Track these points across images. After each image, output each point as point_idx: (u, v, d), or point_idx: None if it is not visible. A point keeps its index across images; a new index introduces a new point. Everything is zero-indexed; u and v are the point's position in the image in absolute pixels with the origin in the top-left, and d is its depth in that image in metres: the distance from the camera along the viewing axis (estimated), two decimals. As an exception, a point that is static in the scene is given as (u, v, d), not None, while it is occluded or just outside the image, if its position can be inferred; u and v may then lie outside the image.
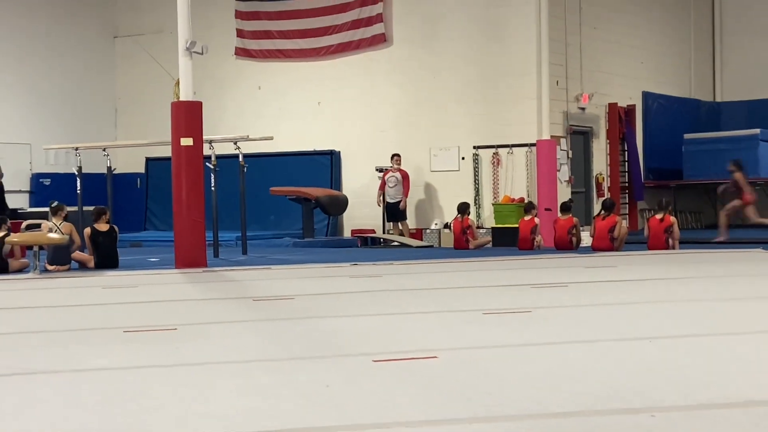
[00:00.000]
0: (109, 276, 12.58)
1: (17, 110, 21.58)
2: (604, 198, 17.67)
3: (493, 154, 18.92)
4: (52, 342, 7.07)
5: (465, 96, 19.18)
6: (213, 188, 15.60)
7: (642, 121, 21.68)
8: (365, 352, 6.19)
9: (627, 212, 20.93)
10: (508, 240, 16.99)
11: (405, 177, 18.84)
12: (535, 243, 16.25)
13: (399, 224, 18.86)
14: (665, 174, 21.99)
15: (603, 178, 20.35)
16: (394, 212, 18.83)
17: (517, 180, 18.75)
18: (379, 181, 18.98)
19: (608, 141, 20.59)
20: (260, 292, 10.51)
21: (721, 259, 13.79)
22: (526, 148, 18.55)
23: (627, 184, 21.07)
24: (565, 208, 16.29)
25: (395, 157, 18.88)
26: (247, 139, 16.29)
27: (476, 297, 9.59)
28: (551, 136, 18.22)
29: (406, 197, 18.79)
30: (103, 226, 13.70)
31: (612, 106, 20.51)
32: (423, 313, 8.31)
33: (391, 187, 18.81)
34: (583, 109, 19.75)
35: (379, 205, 18.96)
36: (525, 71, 18.49)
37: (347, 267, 13.17)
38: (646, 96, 21.85)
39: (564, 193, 18.39)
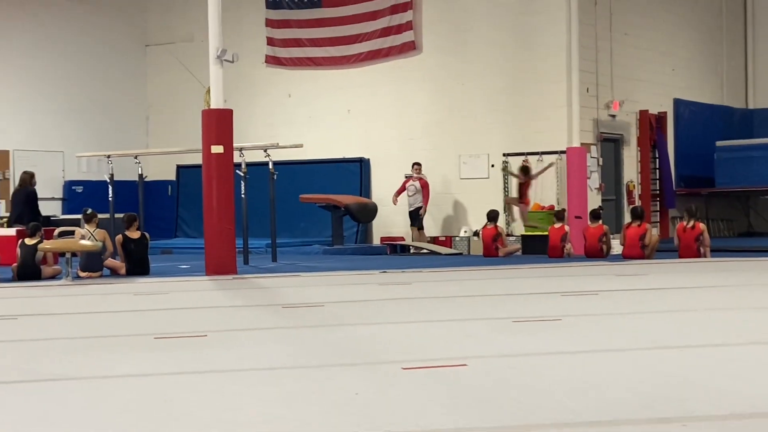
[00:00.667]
0: (140, 283, 12.64)
1: (50, 118, 21.76)
2: (633, 206, 17.56)
3: (523, 161, 18.85)
4: (82, 348, 7.11)
5: (495, 103, 19.14)
6: (243, 195, 15.66)
7: (673, 129, 21.53)
8: (394, 360, 6.18)
9: (658, 220, 20.79)
10: (538, 248, 16.91)
11: (424, 186, 18.89)
12: (565, 251, 16.18)
13: (416, 231, 18.98)
14: (697, 182, 21.83)
15: (634, 186, 20.23)
16: (411, 219, 18.94)
17: (546, 188, 18.67)
18: (400, 186, 19.11)
19: (639, 148, 20.47)
20: (290, 299, 10.52)
21: (752, 268, 13.66)
22: (556, 156, 18.47)
23: (658, 192, 20.93)
24: (596, 215, 16.21)
25: (416, 165, 18.96)
26: (277, 146, 16.35)
27: (506, 305, 9.56)
28: (581, 144, 18.13)
29: (426, 205, 18.85)
30: (134, 233, 13.79)
31: (643, 114, 20.40)
32: (452, 320, 8.29)
33: (410, 195, 18.93)
34: (613, 116, 19.65)
35: (395, 204, 19.05)
36: (555, 78, 18.43)
37: (377, 274, 13.17)
38: (678, 103, 21.71)
39: (594, 201, 18.30)
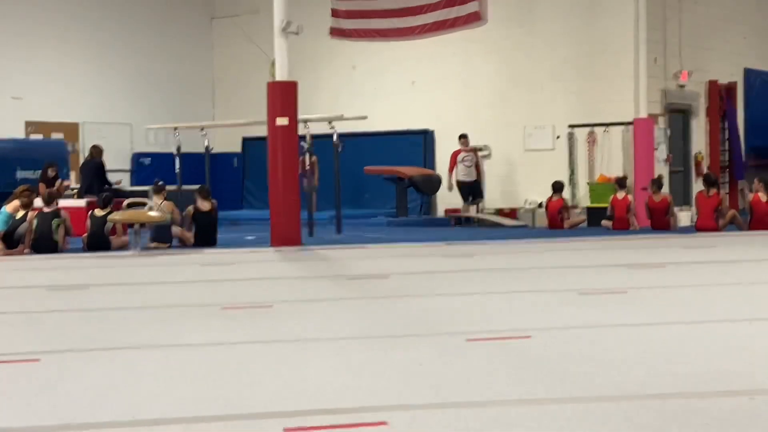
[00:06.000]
0: (207, 254, 12.80)
1: (118, 91, 22.05)
2: (707, 173, 17.18)
3: (589, 132, 18.65)
4: (152, 318, 7.24)
5: (560, 74, 18.95)
6: (308, 167, 15.74)
7: (743, 99, 21.13)
8: (459, 331, 6.20)
9: (727, 191, 20.45)
10: (604, 219, 16.71)
11: (478, 157, 18.61)
12: (630, 222, 15.92)
13: (476, 203, 18.63)
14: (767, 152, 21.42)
15: (702, 158, 19.92)
16: (471, 191, 18.59)
17: (613, 159, 18.46)
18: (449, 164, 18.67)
19: (708, 119, 20.13)
20: (354, 270, 10.58)
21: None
22: (622, 127, 18.23)
23: (727, 163, 20.59)
24: (659, 185, 15.92)
25: (463, 138, 18.58)
26: (341, 118, 16.36)
27: (571, 277, 9.51)
28: (649, 115, 17.87)
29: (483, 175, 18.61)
30: (205, 205, 13.96)
31: (712, 84, 20.04)
32: (517, 292, 8.28)
33: (468, 167, 18.47)
34: (682, 86, 19.34)
35: (450, 190, 18.61)
36: (622, 48, 18.16)
37: (441, 246, 13.17)
38: (749, 73, 21.27)
39: (662, 173, 18.03)
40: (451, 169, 18.61)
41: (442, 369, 5.08)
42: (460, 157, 18.57)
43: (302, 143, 15.33)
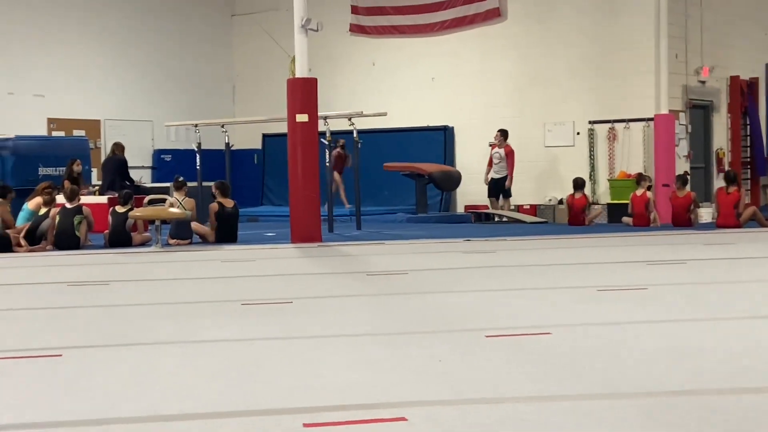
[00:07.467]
0: (228, 250, 12.84)
1: (139, 88, 22.15)
2: (727, 170, 17.07)
3: (609, 129, 18.61)
4: (172, 314, 7.27)
5: (581, 70, 18.89)
6: (327, 164, 15.77)
7: (765, 94, 21.01)
8: (478, 328, 6.20)
9: (749, 188, 20.35)
10: (624, 216, 16.66)
11: (509, 153, 18.11)
12: (651, 219, 15.86)
13: (502, 201, 18.32)
14: (790, 149, 21.30)
15: (723, 153, 19.82)
16: (497, 188, 18.39)
17: (633, 155, 18.41)
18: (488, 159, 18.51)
19: (729, 115, 20.04)
20: (374, 266, 10.59)
21: None
22: (643, 123, 18.19)
23: (749, 159, 20.48)
24: (684, 181, 15.84)
25: (498, 133, 18.35)
26: (361, 115, 16.38)
27: (591, 273, 9.49)
28: (670, 111, 17.82)
29: (512, 174, 18.08)
30: (228, 202, 14.01)
31: (734, 79, 19.94)
32: (536, 289, 8.27)
33: (495, 163, 18.29)
34: (703, 82, 19.25)
35: (486, 184, 18.47)
36: (643, 44, 18.10)
37: (460, 243, 13.16)
38: (770, 68, 21.18)
39: (682, 169, 17.97)
40: (489, 164, 18.36)
41: (461, 365, 5.09)
42: (492, 152, 18.39)
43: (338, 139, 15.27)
